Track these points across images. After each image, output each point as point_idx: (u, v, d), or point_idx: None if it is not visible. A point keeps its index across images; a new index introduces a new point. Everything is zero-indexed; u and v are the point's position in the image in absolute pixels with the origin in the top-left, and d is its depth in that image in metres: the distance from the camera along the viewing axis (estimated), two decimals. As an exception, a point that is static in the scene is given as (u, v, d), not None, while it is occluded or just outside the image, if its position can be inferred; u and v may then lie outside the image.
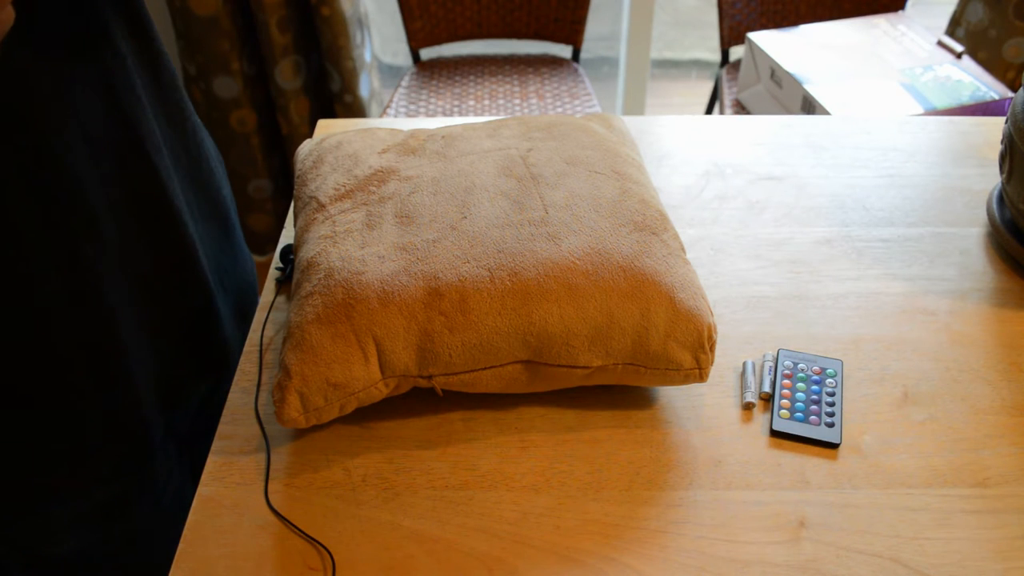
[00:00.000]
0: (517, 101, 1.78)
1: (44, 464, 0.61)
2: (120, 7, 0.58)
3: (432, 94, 1.81)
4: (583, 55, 2.44)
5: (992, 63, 1.77)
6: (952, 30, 1.83)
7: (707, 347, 0.62)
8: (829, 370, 0.69)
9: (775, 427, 0.64)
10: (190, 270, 0.66)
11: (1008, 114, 0.78)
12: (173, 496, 0.72)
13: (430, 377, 0.61)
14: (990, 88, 1.36)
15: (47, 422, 0.60)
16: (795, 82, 1.40)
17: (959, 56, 1.45)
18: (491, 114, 1.74)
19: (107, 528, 0.67)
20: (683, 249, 0.67)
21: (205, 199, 0.70)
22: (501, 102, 1.78)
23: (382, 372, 0.60)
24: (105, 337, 0.60)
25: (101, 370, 0.60)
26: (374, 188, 0.69)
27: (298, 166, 0.76)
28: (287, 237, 0.83)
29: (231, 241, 0.77)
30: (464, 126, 0.78)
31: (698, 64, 2.65)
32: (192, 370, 0.70)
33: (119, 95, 0.56)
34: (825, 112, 1.34)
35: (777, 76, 1.46)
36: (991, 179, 0.90)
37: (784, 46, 1.49)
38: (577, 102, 1.77)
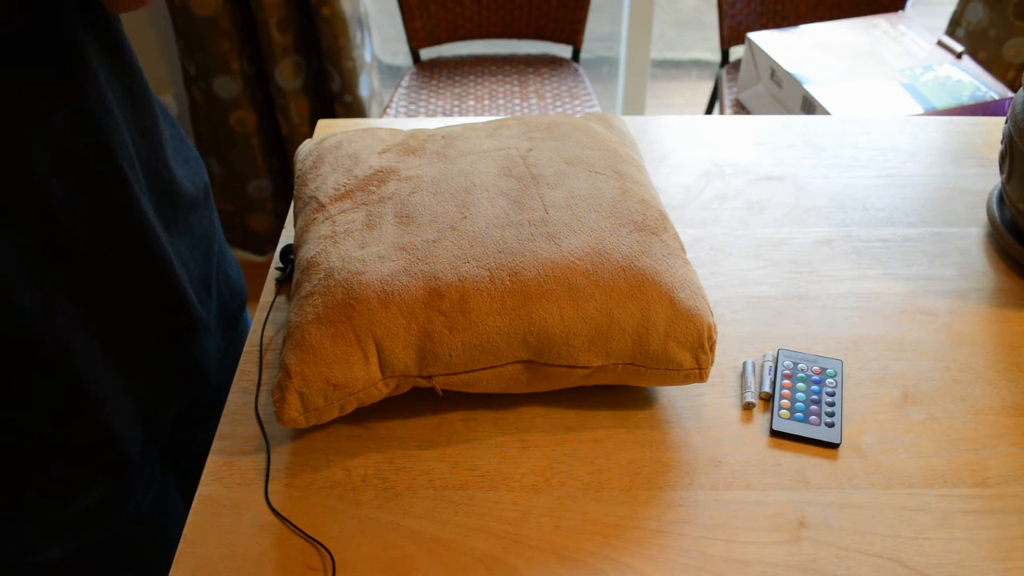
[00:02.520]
0: (517, 101, 1.78)
1: (12, 475, 0.61)
2: (93, 23, 0.57)
3: (432, 94, 1.81)
4: (583, 55, 2.44)
5: (992, 63, 1.77)
6: (952, 30, 1.83)
7: (707, 347, 0.62)
8: (829, 370, 0.69)
9: (775, 427, 0.64)
10: (165, 285, 0.65)
11: (1008, 114, 0.78)
12: (154, 501, 0.72)
13: (430, 377, 0.61)
14: (990, 88, 1.36)
15: (14, 434, 0.59)
16: (795, 82, 1.40)
17: (959, 56, 1.45)
18: (491, 114, 1.74)
19: (86, 536, 0.67)
20: (683, 249, 0.67)
21: (184, 210, 0.69)
22: (501, 102, 1.78)
23: (382, 372, 0.60)
24: (71, 355, 0.59)
25: (67, 388, 0.59)
26: (374, 188, 0.69)
27: (298, 166, 0.76)
28: (287, 237, 0.83)
29: (214, 249, 0.76)
30: (464, 126, 0.78)
31: (698, 64, 2.65)
32: (170, 384, 0.69)
33: (90, 111, 0.56)
34: (825, 112, 1.34)
35: (777, 76, 1.46)
36: (991, 179, 0.90)
37: (784, 46, 1.49)
38: (577, 102, 1.77)
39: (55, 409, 0.60)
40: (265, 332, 0.72)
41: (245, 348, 0.71)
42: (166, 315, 0.66)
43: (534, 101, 1.78)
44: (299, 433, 0.65)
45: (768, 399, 0.67)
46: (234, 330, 0.82)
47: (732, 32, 1.80)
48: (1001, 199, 0.83)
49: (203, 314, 0.71)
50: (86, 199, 0.57)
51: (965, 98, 1.34)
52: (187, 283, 0.68)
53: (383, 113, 1.78)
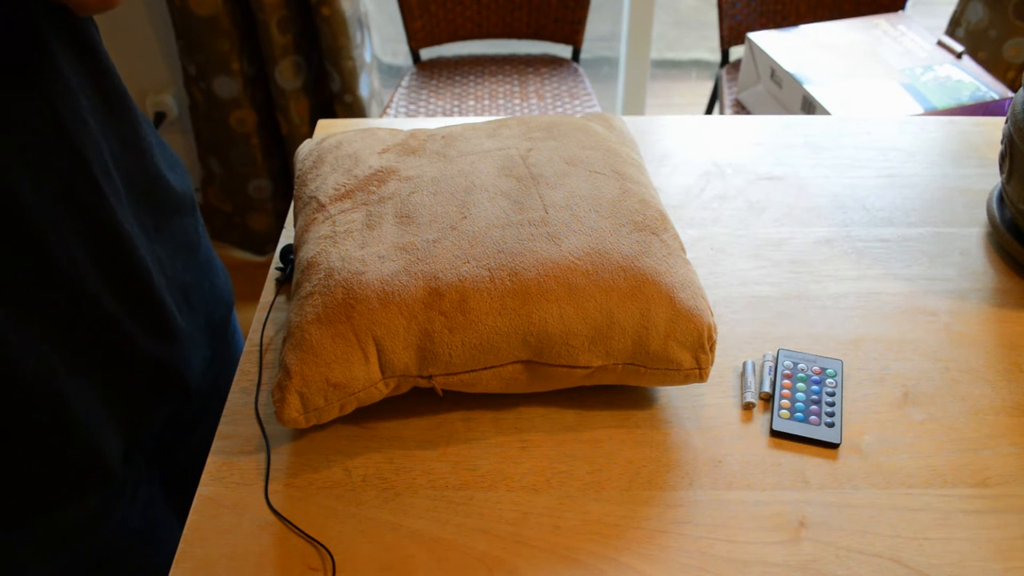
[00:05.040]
0: (517, 101, 1.78)
1: None
2: (62, 28, 0.56)
3: (432, 94, 1.81)
4: (583, 55, 2.44)
5: (992, 63, 1.77)
6: (952, 30, 1.83)
7: (707, 347, 0.62)
8: (829, 370, 0.69)
9: (775, 427, 0.64)
10: (143, 294, 0.64)
11: (1008, 114, 0.78)
12: (141, 513, 0.71)
13: (430, 377, 0.61)
14: (990, 88, 1.36)
15: None
16: (795, 82, 1.40)
17: (959, 56, 1.45)
18: (491, 114, 1.74)
19: (73, 550, 0.66)
20: (683, 249, 0.67)
21: (164, 218, 0.69)
22: (501, 102, 1.78)
23: (382, 372, 0.60)
24: (46, 367, 0.58)
25: (43, 400, 0.59)
26: (374, 188, 0.69)
27: (298, 166, 0.76)
28: (287, 237, 0.83)
29: (198, 258, 0.75)
30: (464, 126, 0.78)
31: (698, 64, 2.65)
32: (152, 394, 0.68)
33: (62, 118, 0.55)
34: (825, 112, 1.34)
35: (777, 76, 1.46)
36: (991, 179, 0.90)
37: (784, 46, 1.49)
38: (577, 102, 1.77)
39: (32, 422, 0.59)
40: (265, 332, 0.72)
41: (245, 348, 0.71)
42: (145, 325, 0.65)
43: (534, 101, 1.78)
44: (299, 433, 0.65)
45: (768, 399, 0.67)
46: (221, 339, 0.80)
47: (732, 32, 1.80)
48: (1001, 199, 0.83)
49: (183, 323, 0.70)
50: (61, 209, 0.56)
51: (965, 98, 1.34)
52: (166, 292, 0.67)
53: (383, 113, 1.78)
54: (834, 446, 0.63)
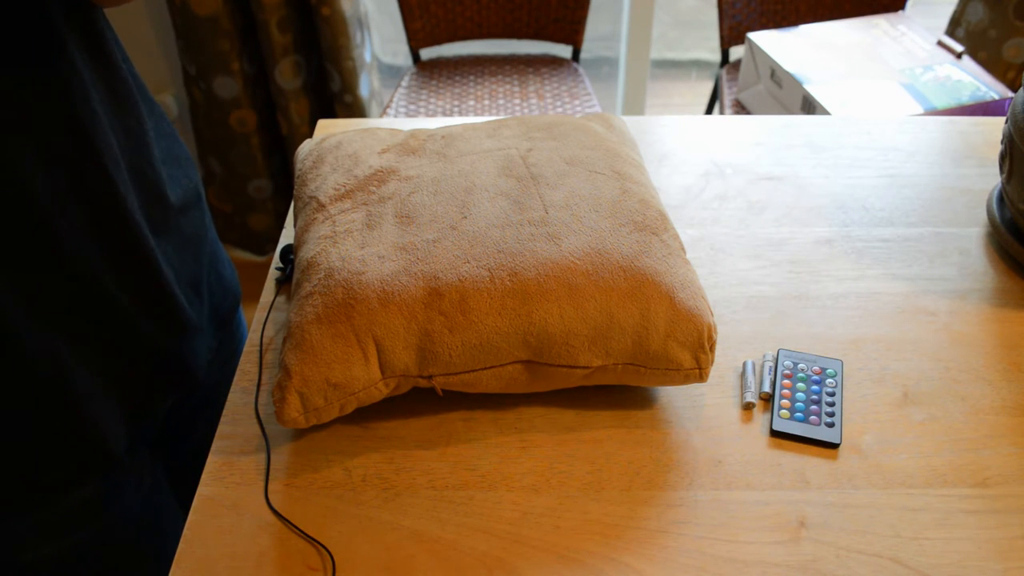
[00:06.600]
0: (517, 101, 1.78)
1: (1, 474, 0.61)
2: (75, 19, 0.57)
3: (432, 94, 1.81)
4: (583, 55, 2.44)
5: (992, 63, 1.77)
6: (952, 30, 1.83)
7: (707, 347, 0.62)
8: (829, 370, 0.69)
9: (775, 427, 0.64)
10: (152, 286, 0.64)
11: (1008, 114, 0.78)
12: (145, 501, 0.71)
13: (430, 377, 0.61)
14: (990, 88, 1.36)
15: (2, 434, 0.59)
16: (795, 82, 1.40)
17: (959, 56, 1.45)
18: (491, 114, 1.74)
19: (76, 536, 0.67)
20: (683, 249, 0.67)
21: (172, 211, 0.69)
22: (501, 102, 1.78)
23: (382, 372, 0.60)
24: (55, 354, 0.59)
25: (50, 386, 0.59)
26: (374, 188, 0.69)
27: (298, 166, 0.76)
28: (287, 237, 0.83)
29: (205, 249, 0.75)
30: (464, 126, 0.78)
31: (698, 64, 2.65)
32: (158, 383, 0.69)
33: (75, 109, 0.56)
34: (825, 112, 1.34)
35: (777, 76, 1.46)
36: (991, 179, 0.90)
37: (784, 46, 1.49)
38: (577, 102, 1.77)
39: (38, 407, 0.60)
40: (265, 332, 0.72)
41: (245, 348, 0.71)
42: (153, 315, 0.66)
43: (534, 101, 1.78)
44: (299, 433, 0.65)
45: (768, 399, 0.67)
46: (227, 330, 0.81)
47: (732, 32, 1.80)
48: (1001, 199, 0.83)
49: (192, 315, 0.71)
50: (72, 199, 0.57)
51: (965, 98, 1.34)
52: (175, 284, 0.67)
53: (383, 113, 1.78)
54: (834, 446, 0.63)
